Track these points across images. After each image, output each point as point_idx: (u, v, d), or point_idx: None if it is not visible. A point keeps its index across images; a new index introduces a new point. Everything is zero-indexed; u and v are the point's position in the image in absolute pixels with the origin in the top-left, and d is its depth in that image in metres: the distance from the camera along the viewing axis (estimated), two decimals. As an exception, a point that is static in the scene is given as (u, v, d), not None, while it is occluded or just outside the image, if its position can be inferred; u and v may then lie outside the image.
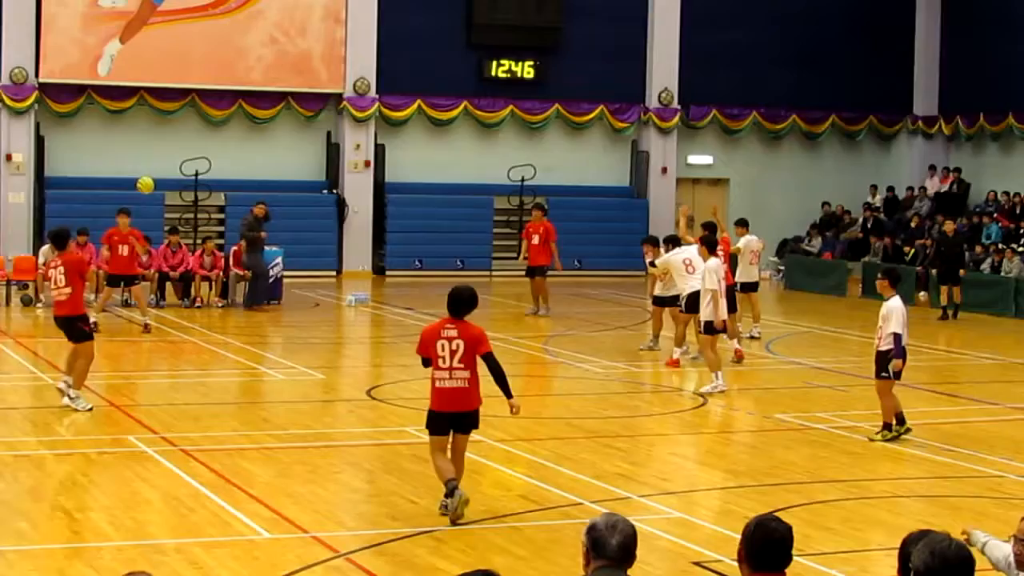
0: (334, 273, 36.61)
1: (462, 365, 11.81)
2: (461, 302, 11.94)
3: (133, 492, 12.91)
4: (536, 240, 28.40)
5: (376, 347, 25.71)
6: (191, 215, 35.77)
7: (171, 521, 11.95)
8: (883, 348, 16.00)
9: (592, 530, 5.74)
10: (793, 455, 15.38)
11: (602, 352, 23.49)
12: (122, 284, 26.20)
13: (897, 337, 15.85)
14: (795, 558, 5.77)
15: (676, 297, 21.76)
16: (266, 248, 29.45)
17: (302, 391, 19.67)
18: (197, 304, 28.81)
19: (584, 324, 26.80)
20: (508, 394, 11.99)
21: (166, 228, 31.60)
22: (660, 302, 23.02)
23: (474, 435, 12.46)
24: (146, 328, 24.72)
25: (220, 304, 28.97)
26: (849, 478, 14.33)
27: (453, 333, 11.83)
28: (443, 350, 11.80)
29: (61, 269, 16.97)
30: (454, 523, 11.66)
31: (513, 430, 15.74)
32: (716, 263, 19.79)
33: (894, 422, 16.12)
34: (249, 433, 15.99)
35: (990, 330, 28.75)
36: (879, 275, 16.53)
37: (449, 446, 12.09)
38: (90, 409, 16.69)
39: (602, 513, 5.90)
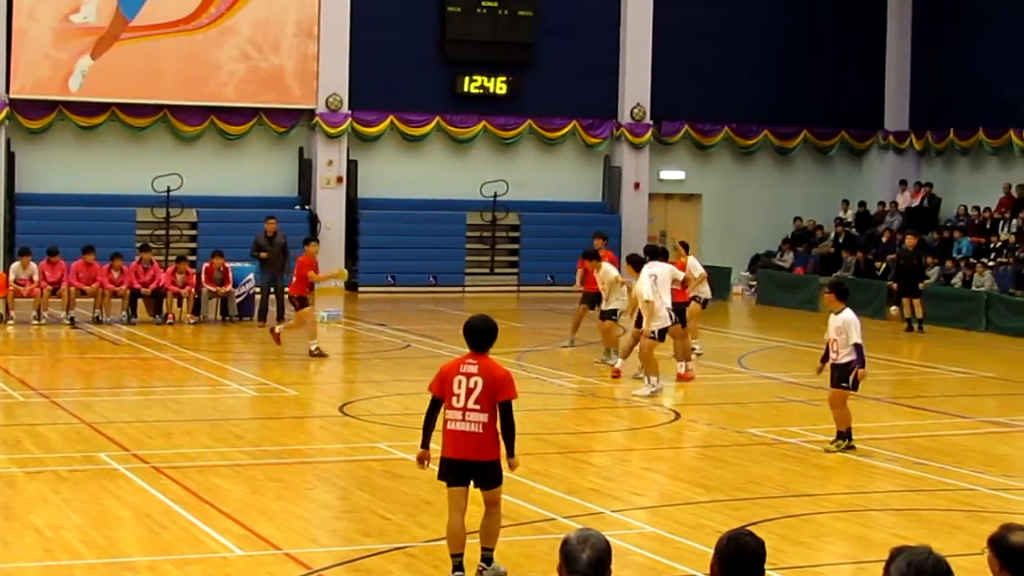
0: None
1: (478, 407, 10.40)
2: (479, 334, 10.58)
3: (104, 509, 12.85)
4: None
5: (349, 363, 25.67)
6: (163, 232, 35.67)
7: (143, 538, 11.90)
8: (843, 360, 16.15)
9: (565, 545, 5.76)
10: (766, 469, 15.42)
11: (575, 367, 23.52)
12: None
13: (859, 348, 16.03)
14: (768, 572, 5.78)
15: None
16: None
17: (275, 407, 19.63)
18: (169, 321, 28.76)
19: (557, 339, 26.78)
20: (511, 451, 10.61)
21: (138, 245, 31.45)
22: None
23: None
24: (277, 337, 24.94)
25: (192, 321, 28.91)
26: (821, 492, 14.38)
27: (473, 369, 10.46)
28: (459, 387, 10.43)
29: None
30: None
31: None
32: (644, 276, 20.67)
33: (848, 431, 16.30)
34: (221, 450, 15.95)
35: (960, 344, 28.86)
36: (826, 289, 16.68)
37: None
38: None
39: (576, 528, 5.90)
